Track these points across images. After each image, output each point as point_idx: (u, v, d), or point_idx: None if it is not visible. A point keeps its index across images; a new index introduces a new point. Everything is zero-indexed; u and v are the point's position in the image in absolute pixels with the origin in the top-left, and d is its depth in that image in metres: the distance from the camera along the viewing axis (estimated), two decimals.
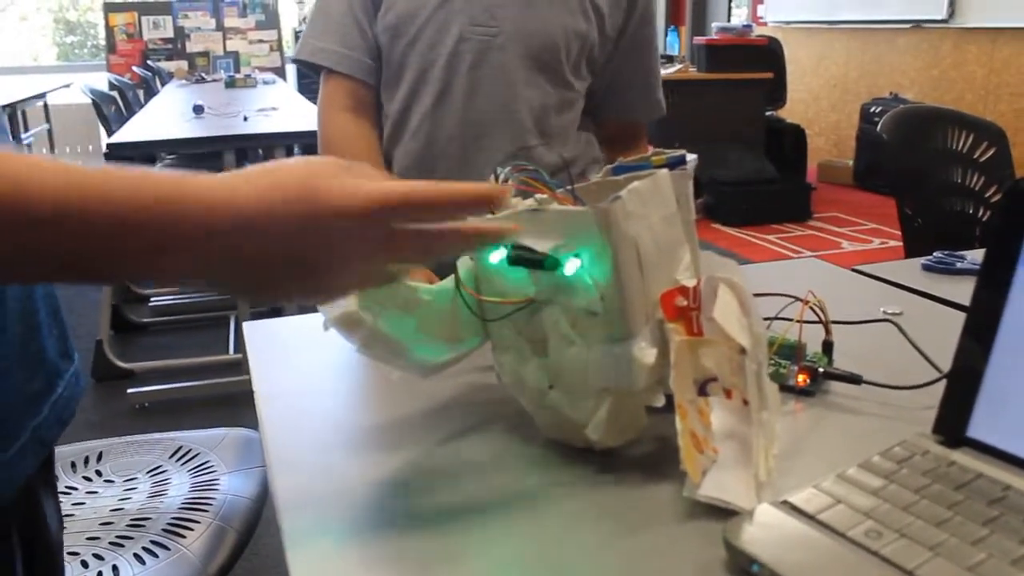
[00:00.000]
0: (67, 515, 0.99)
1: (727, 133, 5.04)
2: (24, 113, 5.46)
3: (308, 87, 5.52)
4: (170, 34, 7.05)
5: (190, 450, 1.19)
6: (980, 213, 1.74)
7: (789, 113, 6.06)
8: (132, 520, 1.03)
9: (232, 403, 2.60)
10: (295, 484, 0.61)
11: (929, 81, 5.46)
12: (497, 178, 0.67)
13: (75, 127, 6.60)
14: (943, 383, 0.61)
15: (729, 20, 7.33)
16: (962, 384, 0.59)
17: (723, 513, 0.53)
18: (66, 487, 1.10)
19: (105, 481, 1.13)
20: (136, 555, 0.96)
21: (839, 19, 6.08)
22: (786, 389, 0.73)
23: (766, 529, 0.50)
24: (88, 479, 1.14)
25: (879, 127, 1.76)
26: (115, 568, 0.94)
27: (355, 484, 0.61)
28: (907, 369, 0.74)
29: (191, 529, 1.00)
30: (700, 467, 0.56)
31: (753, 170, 4.96)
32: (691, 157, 0.67)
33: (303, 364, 0.83)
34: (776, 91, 5.63)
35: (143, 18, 6.99)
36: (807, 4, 6.35)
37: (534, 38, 1.13)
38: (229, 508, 1.04)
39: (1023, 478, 0.53)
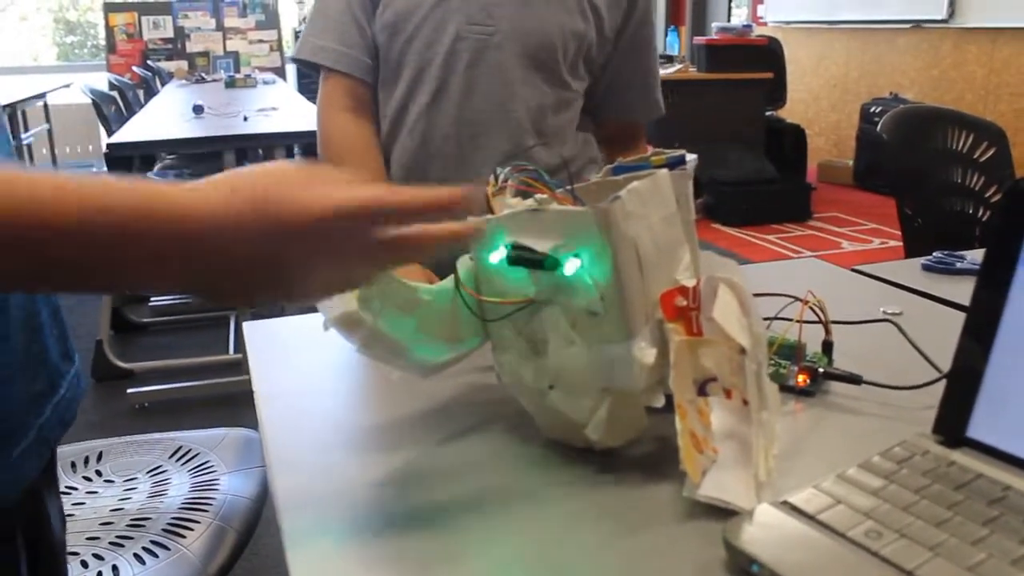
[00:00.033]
0: (67, 515, 0.99)
1: (727, 133, 5.04)
2: (24, 113, 5.46)
3: (308, 87, 5.52)
4: (170, 34, 7.05)
5: (190, 450, 1.19)
6: (980, 213, 1.74)
7: (789, 113, 6.06)
8: (132, 520, 1.03)
9: (232, 403, 2.60)
10: (295, 484, 0.61)
11: (929, 81, 5.46)
12: (496, 178, 0.67)
13: (75, 127, 6.60)
14: (943, 383, 0.61)
15: (729, 20, 7.33)
16: (962, 384, 0.59)
17: (723, 513, 0.53)
18: (66, 487, 1.10)
19: (105, 481, 1.13)
20: (136, 555, 0.96)
21: (839, 19, 6.08)
22: (786, 389, 0.73)
23: (766, 529, 0.50)
24: (88, 479, 1.14)
25: (879, 127, 1.76)
26: (115, 568, 0.94)
27: (355, 484, 0.61)
28: (907, 369, 0.74)
29: (191, 529, 1.00)
30: (700, 467, 0.56)
31: (753, 170, 4.96)
32: (691, 157, 0.67)
33: (303, 364, 0.83)
34: (776, 91, 5.63)
35: (143, 18, 6.99)
36: (807, 4, 6.35)
37: (531, 37, 1.13)
38: (229, 508, 1.04)
39: (1023, 478, 0.53)
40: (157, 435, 1.24)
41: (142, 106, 4.25)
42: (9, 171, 0.45)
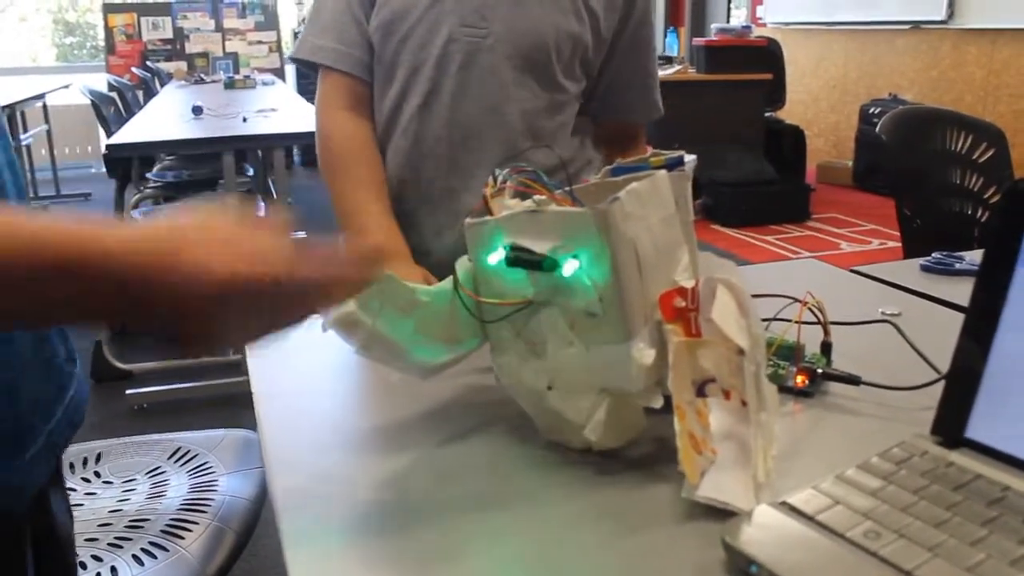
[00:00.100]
0: None
1: (726, 134, 5.04)
2: (23, 114, 5.46)
3: (307, 88, 5.51)
4: (169, 35, 7.05)
5: (189, 451, 1.19)
6: (979, 214, 1.75)
7: (788, 114, 6.06)
8: (131, 521, 1.03)
9: (231, 404, 2.60)
10: (294, 485, 0.61)
11: (928, 82, 5.46)
12: (495, 179, 0.67)
13: (74, 128, 6.60)
14: (942, 384, 0.61)
15: (728, 21, 7.33)
16: (961, 385, 0.59)
17: (722, 514, 0.53)
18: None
19: (104, 482, 1.13)
20: (135, 556, 0.96)
21: (838, 20, 6.08)
22: (785, 390, 0.73)
23: (764, 530, 0.50)
24: (87, 480, 1.14)
25: (878, 128, 1.76)
26: (114, 569, 0.94)
27: (354, 485, 0.61)
28: (906, 370, 0.74)
29: (190, 530, 1.00)
30: (698, 468, 0.56)
31: (752, 171, 4.96)
32: (690, 158, 0.67)
33: (302, 365, 0.83)
34: (775, 92, 5.63)
35: (142, 19, 6.99)
36: (806, 5, 6.35)
37: (524, 39, 1.13)
38: (228, 509, 1.04)
39: (1021, 479, 0.53)
40: (156, 436, 1.24)
41: (141, 107, 4.25)
42: None
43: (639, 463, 0.63)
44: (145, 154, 3.52)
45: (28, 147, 5.65)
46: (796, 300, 0.78)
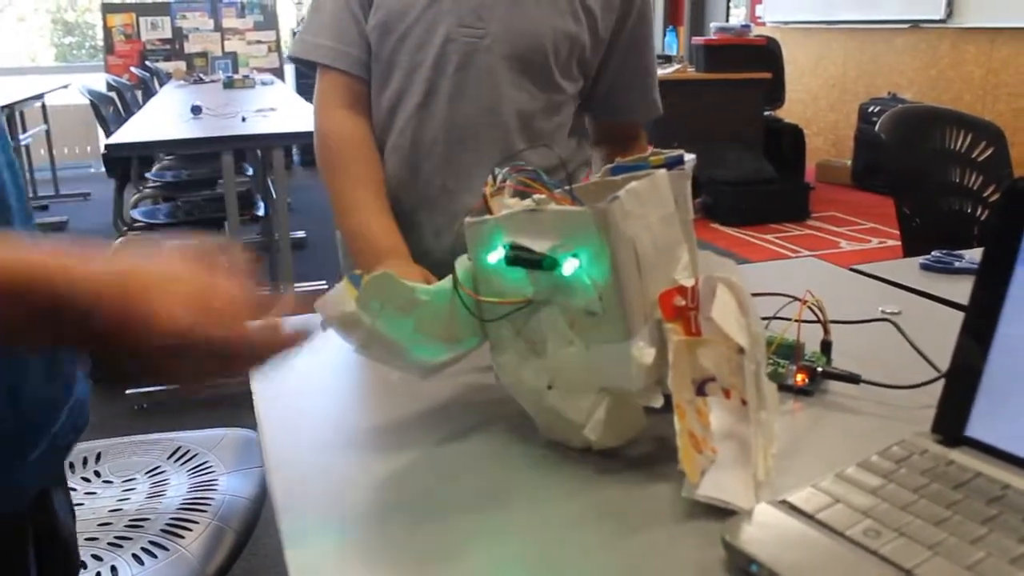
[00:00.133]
0: None
1: (726, 133, 5.04)
2: (22, 114, 5.46)
3: (306, 88, 5.51)
4: (168, 35, 7.05)
5: (189, 450, 1.19)
6: (978, 212, 1.75)
7: (787, 113, 6.06)
8: (131, 521, 1.03)
9: (231, 403, 2.59)
10: (294, 484, 0.61)
11: (927, 81, 5.46)
12: (495, 178, 0.67)
13: (73, 128, 6.60)
14: (941, 382, 0.61)
15: (727, 20, 7.33)
16: (960, 383, 0.59)
17: (722, 513, 0.53)
18: None
19: (104, 482, 1.13)
20: (135, 555, 0.96)
21: (837, 19, 6.08)
22: (785, 389, 0.73)
23: (765, 529, 0.50)
24: (87, 480, 1.14)
25: (877, 127, 1.76)
26: (114, 568, 0.94)
27: (354, 484, 0.61)
28: (905, 368, 0.74)
29: (190, 530, 1.00)
30: (699, 467, 0.56)
31: (752, 170, 4.96)
32: (689, 157, 0.67)
33: (302, 364, 0.83)
34: (774, 91, 5.63)
35: (141, 19, 6.99)
36: (805, 4, 6.35)
37: (521, 39, 1.13)
38: (228, 508, 1.04)
39: (1021, 477, 0.53)
40: (156, 436, 1.23)
41: (140, 107, 4.25)
42: None
43: (639, 462, 0.63)
44: (144, 154, 3.52)
45: (27, 147, 5.65)
46: (796, 299, 0.78)
